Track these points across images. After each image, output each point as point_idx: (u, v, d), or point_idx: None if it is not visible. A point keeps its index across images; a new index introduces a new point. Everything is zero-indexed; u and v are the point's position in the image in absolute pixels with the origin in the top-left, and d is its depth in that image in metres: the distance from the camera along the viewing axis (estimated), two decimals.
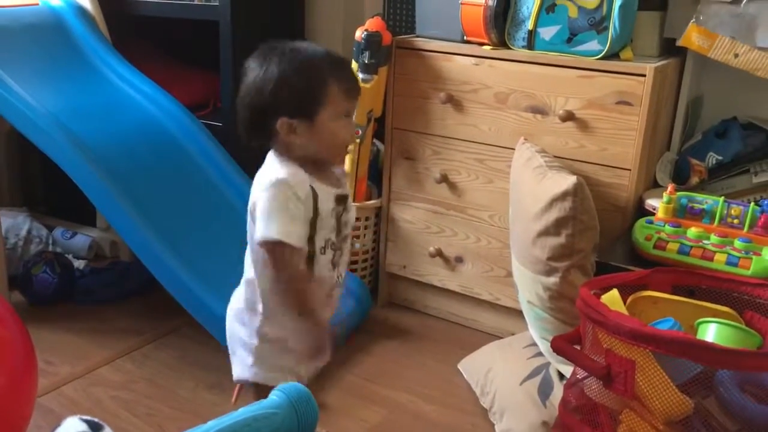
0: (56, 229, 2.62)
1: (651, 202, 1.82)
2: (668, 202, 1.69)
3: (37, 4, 2.33)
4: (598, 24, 1.81)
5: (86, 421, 1.18)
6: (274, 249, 1.22)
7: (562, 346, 1.33)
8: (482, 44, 1.98)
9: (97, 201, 1.94)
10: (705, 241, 1.59)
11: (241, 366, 1.37)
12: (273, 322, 1.31)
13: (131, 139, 2.11)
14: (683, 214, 1.68)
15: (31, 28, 2.24)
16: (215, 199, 2.15)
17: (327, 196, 1.26)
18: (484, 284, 2.12)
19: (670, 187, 1.71)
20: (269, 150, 1.29)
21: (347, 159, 2.10)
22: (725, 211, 1.64)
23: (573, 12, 1.84)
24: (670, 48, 1.93)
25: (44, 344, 1.95)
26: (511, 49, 1.95)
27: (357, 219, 2.06)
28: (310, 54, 1.23)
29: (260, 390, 1.33)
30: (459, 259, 2.15)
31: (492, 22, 1.93)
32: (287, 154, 1.25)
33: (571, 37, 1.85)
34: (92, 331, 2.12)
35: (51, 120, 1.94)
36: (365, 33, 2.02)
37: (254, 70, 1.22)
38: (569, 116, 1.86)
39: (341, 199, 1.29)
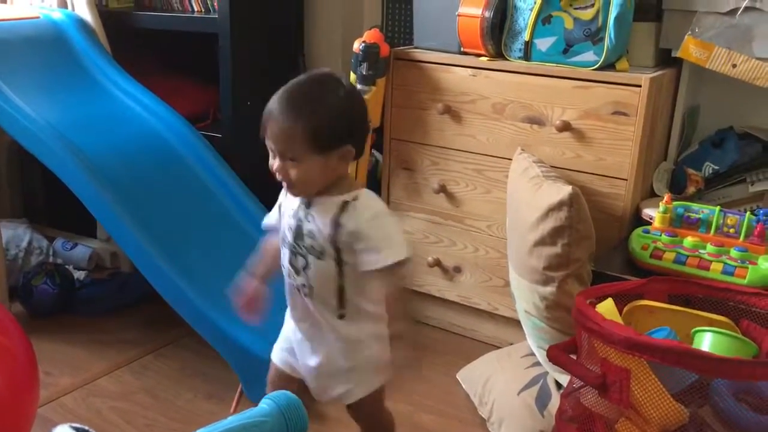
0: (57, 240, 2.63)
1: (648, 212, 1.83)
2: (665, 211, 1.69)
3: (38, 17, 2.35)
4: (593, 35, 1.83)
5: (76, 429, 1.19)
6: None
7: (558, 355, 1.34)
8: (479, 55, 2.00)
9: (97, 212, 1.95)
10: (701, 251, 1.60)
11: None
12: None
13: (131, 150, 2.12)
14: (680, 223, 1.69)
15: (32, 40, 2.25)
16: (215, 211, 2.16)
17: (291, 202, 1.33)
18: (483, 294, 2.13)
19: (667, 196, 1.72)
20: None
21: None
22: (721, 221, 1.64)
23: (569, 23, 1.85)
24: (665, 58, 1.95)
25: (44, 355, 1.95)
26: (507, 60, 1.96)
27: None
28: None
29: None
30: (457, 269, 2.15)
31: (489, 34, 1.94)
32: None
33: (567, 48, 1.86)
34: (92, 342, 2.13)
35: (51, 132, 1.95)
36: (363, 45, 2.04)
37: (341, 94, 1.26)
38: (566, 126, 1.87)
39: (305, 205, 1.32)
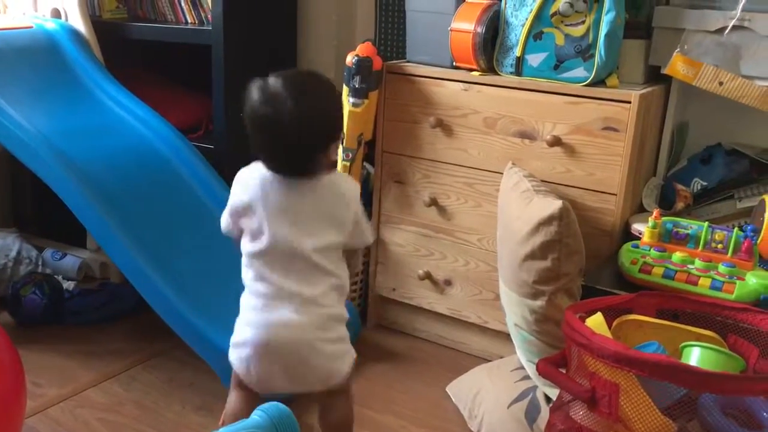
0: (46, 250, 2.62)
1: (637, 227, 1.84)
2: (654, 226, 1.71)
3: (32, 27, 2.35)
4: (584, 52, 1.85)
5: None
6: None
7: (547, 369, 1.34)
8: (471, 70, 2.01)
9: (87, 222, 1.95)
10: (689, 266, 1.61)
11: (349, 360, 1.48)
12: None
13: (123, 160, 2.12)
14: (668, 238, 1.70)
15: (25, 50, 2.25)
16: (206, 222, 2.15)
17: None
18: (473, 307, 2.13)
19: (656, 212, 1.73)
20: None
21: None
22: (710, 236, 1.66)
23: (560, 40, 1.87)
24: (655, 75, 1.97)
25: (32, 365, 1.94)
26: (499, 75, 1.98)
27: None
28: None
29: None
30: (448, 282, 2.16)
31: (481, 49, 1.96)
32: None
33: (558, 63, 1.88)
34: (80, 353, 2.12)
35: (42, 141, 1.95)
36: (356, 58, 2.05)
37: (321, 105, 1.42)
38: (556, 141, 1.88)
39: None
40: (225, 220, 1.50)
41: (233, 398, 1.47)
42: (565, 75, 1.88)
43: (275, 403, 0.96)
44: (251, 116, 1.39)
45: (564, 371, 1.36)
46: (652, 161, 2.04)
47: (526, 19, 1.89)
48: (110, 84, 2.32)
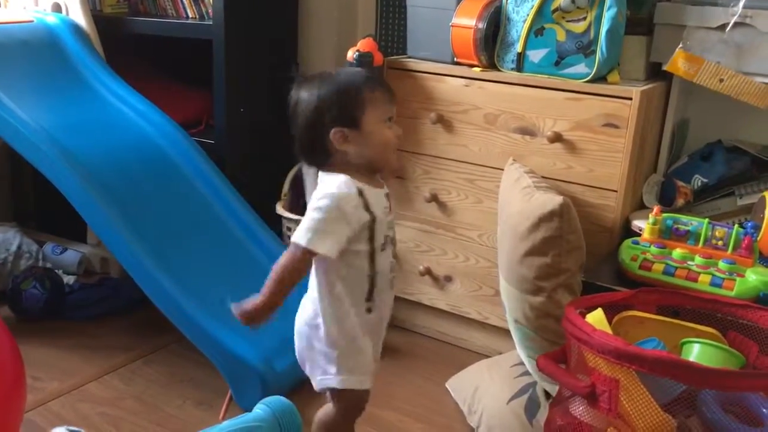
0: (46, 244, 2.62)
1: (637, 223, 1.84)
2: (654, 223, 1.71)
3: (32, 22, 2.35)
4: (585, 48, 1.84)
5: (71, 431, 1.19)
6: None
7: (547, 365, 1.35)
8: (472, 66, 2.01)
9: (88, 217, 1.95)
10: (690, 262, 1.61)
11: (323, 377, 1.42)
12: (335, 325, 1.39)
13: (123, 155, 2.12)
14: (669, 235, 1.71)
15: (26, 44, 2.25)
16: (207, 217, 2.16)
17: (378, 199, 1.37)
18: (473, 303, 2.13)
19: (656, 208, 1.73)
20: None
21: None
22: (710, 233, 1.66)
23: (561, 36, 1.87)
24: (656, 72, 1.97)
25: (32, 360, 1.94)
26: (500, 71, 1.98)
27: None
28: (345, 73, 1.41)
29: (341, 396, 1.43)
30: (448, 278, 2.16)
31: (482, 45, 1.96)
32: (344, 165, 1.34)
33: (559, 60, 1.88)
34: (81, 347, 2.12)
35: (43, 135, 1.95)
36: (357, 53, 2.05)
37: (304, 97, 1.35)
38: (557, 138, 1.88)
39: (388, 197, 1.43)
40: None
41: None
42: (566, 71, 1.87)
43: (278, 396, 0.96)
44: None
45: (564, 367, 1.36)
46: (652, 158, 2.04)
47: (528, 15, 1.89)
48: (111, 78, 2.32)
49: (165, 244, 1.96)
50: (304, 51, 2.59)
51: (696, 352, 1.34)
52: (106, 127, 2.19)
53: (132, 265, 1.88)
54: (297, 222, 1.55)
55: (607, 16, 1.80)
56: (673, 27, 1.90)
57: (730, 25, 1.80)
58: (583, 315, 1.36)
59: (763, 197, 1.73)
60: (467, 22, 1.96)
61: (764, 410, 1.29)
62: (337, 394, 1.42)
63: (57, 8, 2.44)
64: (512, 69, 1.95)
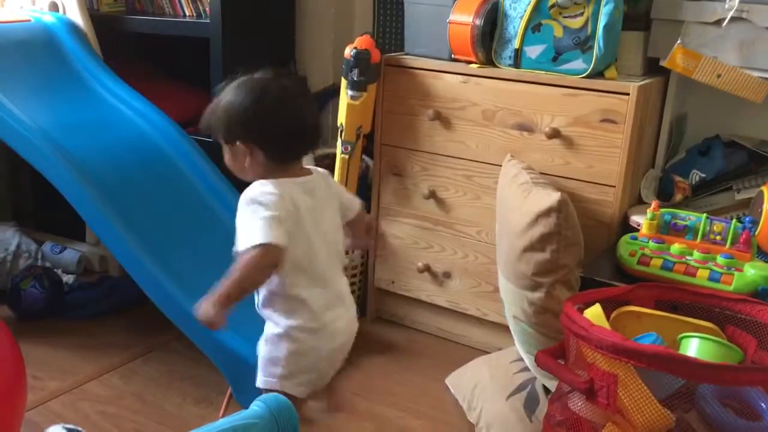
0: (45, 243, 2.62)
1: (635, 219, 1.84)
2: (652, 218, 1.71)
3: (29, 21, 2.35)
4: (582, 43, 1.84)
5: (68, 429, 1.19)
6: None
7: (546, 360, 1.35)
8: (469, 62, 2.01)
9: (86, 215, 1.95)
10: (688, 257, 1.61)
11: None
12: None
13: (121, 154, 2.12)
14: (667, 230, 1.71)
15: (23, 44, 2.25)
16: (205, 214, 2.16)
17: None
18: (472, 300, 2.14)
19: (654, 203, 1.74)
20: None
21: (337, 174, 2.14)
22: (708, 228, 1.66)
23: (558, 32, 1.87)
24: (653, 67, 1.97)
25: (32, 359, 1.94)
26: (497, 67, 1.98)
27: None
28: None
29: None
30: (447, 275, 2.16)
31: (479, 41, 1.96)
32: None
33: (557, 56, 1.88)
34: (80, 346, 2.12)
35: (41, 135, 1.95)
36: (354, 51, 2.05)
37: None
38: (555, 133, 1.88)
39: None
40: None
41: None
42: (564, 67, 1.87)
43: (274, 394, 0.96)
44: None
45: (562, 362, 1.36)
46: (650, 153, 2.04)
47: (525, 11, 1.89)
48: (108, 77, 2.32)
49: (163, 243, 1.96)
50: (301, 48, 2.59)
51: (694, 347, 1.34)
52: (104, 125, 2.19)
53: (130, 263, 1.88)
54: None
55: (604, 11, 1.80)
56: (670, 22, 1.90)
57: (727, 20, 1.80)
58: (582, 310, 1.37)
59: (761, 192, 1.73)
60: (464, 18, 1.96)
61: (763, 404, 1.30)
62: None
63: (54, 7, 2.43)
64: (510, 65, 1.95)
